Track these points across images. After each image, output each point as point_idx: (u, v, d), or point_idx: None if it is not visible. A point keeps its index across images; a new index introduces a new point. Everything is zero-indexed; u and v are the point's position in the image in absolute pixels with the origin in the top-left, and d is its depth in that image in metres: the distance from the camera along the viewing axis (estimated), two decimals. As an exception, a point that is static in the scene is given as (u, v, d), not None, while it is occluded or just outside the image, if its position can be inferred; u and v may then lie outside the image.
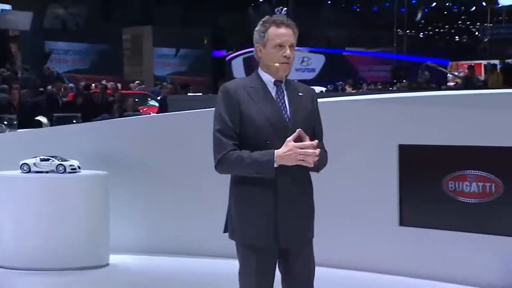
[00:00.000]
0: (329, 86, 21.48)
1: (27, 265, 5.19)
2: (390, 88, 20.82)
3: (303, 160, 2.70)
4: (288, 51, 2.81)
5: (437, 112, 4.67)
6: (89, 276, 5.16)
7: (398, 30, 31.79)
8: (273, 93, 2.82)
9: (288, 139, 2.72)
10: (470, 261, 4.51)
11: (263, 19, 2.88)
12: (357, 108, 5.04)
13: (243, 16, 29.43)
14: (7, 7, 21.79)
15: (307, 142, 2.72)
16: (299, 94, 2.87)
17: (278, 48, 2.81)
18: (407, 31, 33.59)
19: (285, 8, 28.72)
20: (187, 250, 5.61)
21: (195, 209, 5.61)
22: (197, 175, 5.48)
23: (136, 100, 15.33)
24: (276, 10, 29.01)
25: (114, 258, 5.52)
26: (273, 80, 2.84)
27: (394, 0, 31.00)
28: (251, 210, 2.80)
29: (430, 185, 4.65)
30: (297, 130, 2.73)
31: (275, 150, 2.72)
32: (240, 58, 28.90)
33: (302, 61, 29.63)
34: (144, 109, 13.84)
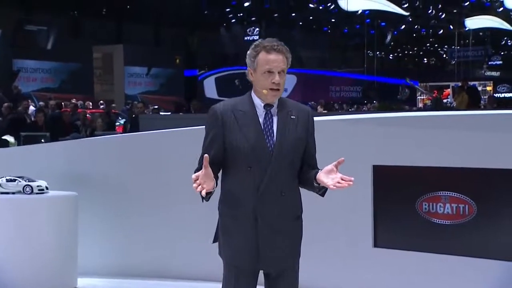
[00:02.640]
0: None
1: (-9, 289, 5.03)
2: (364, 109, 21.02)
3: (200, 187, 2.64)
4: (277, 78, 2.77)
5: (411, 133, 4.66)
6: (56, 300, 5.02)
7: (368, 51, 32.20)
8: (261, 118, 2.80)
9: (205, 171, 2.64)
10: (444, 282, 4.48)
11: (254, 43, 2.86)
12: (331, 128, 5.01)
13: (215, 35, 29.51)
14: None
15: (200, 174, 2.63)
16: (292, 117, 2.82)
17: (267, 74, 2.78)
18: (377, 53, 34.03)
19: (257, 29, 28.91)
20: (157, 273, 5.50)
21: (165, 231, 5.50)
22: (168, 195, 5.40)
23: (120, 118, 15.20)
24: (248, 30, 29.19)
25: (82, 281, 5.38)
26: (263, 104, 2.81)
27: (364, 22, 31.41)
28: (233, 231, 2.81)
29: (404, 206, 4.62)
30: None
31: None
32: (212, 78, 28.92)
33: (274, 81, 29.80)
34: (116, 129, 13.74)
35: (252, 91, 2.86)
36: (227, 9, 31.39)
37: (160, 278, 5.46)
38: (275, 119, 2.81)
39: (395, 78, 31.32)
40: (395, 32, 35.42)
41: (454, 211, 4.44)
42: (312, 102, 23.19)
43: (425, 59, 39.99)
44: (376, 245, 4.77)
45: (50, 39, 23.62)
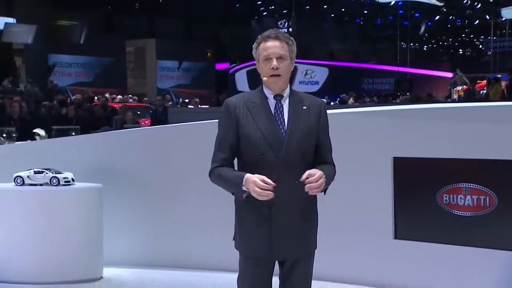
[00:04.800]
0: (336, 102, 21.47)
1: (20, 278, 5.15)
2: (394, 101, 20.83)
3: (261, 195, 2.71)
4: (274, 63, 2.83)
5: (432, 125, 4.64)
6: (83, 290, 5.14)
7: (402, 43, 31.86)
8: (272, 108, 2.85)
9: (262, 177, 2.70)
10: (464, 274, 4.46)
11: (258, 36, 2.93)
12: (352, 120, 5.01)
13: (246, 29, 29.54)
14: (12, 20, 21.93)
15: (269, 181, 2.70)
16: (303, 107, 2.87)
17: (267, 62, 2.86)
18: (411, 44, 33.65)
19: (289, 22, 28.84)
20: (182, 263, 5.58)
21: (189, 222, 5.58)
22: (192, 187, 5.46)
23: (138, 112, 15.40)
24: (279, 23, 29.17)
25: (107, 271, 5.49)
26: (273, 94, 2.87)
27: (397, 13, 31.08)
28: (247, 221, 2.86)
29: (424, 198, 4.61)
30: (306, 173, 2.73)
31: (246, 175, 2.75)
32: (244, 71, 28.98)
33: (306, 74, 29.71)
34: (146, 122, 13.95)
35: (263, 83, 2.92)
36: (258, 2, 31.41)
37: (184, 269, 5.53)
38: (285, 109, 2.86)
39: (429, 69, 30.98)
40: (429, 23, 34.95)
41: (475, 203, 4.41)
42: (343, 95, 23.09)
43: (460, 50, 39.37)
44: (396, 236, 4.77)
45: (83, 34, 23.98)
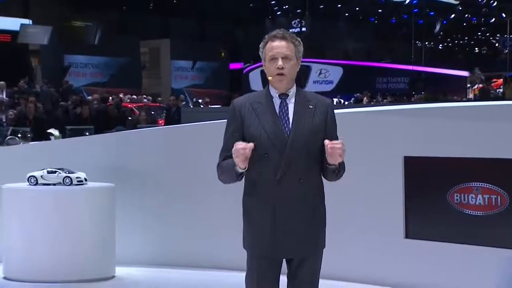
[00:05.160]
0: (350, 102, 21.42)
1: (34, 277, 5.21)
2: (409, 100, 20.73)
3: (241, 156, 2.73)
4: (279, 62, 2.86)
5: (443, 123, 4.62)
6: (95, 288, 5.18)
7: (417, 42, 31.69)
8: (277, 107, 2.88)
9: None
10: (476, 274, 4.44)
11: (265, 36, 2.96)
12: (362, 119, 5.01)
13: (260, 28, 29.54)
14: (27, 21, 22.13)
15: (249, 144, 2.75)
16: (309, 106, 2.89)
17: (272, 61, 2.88)
18: (426, 43, 33.45)
19: (302, 21, 28.81)
20: (194, 263, 5.60)
21: (201, 222, 5.60)
22: (204, 187, 5.48)
23: (152, 112, 15.48)
24: (293, 22, 29.14)
25: (120, 270, 5.53)
26: (278, 93, 2.89)
27: (412, 12, 30.91)
28: (252, 220, 2.89)
29: (435, 198, 4.60)
30: None
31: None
32: (258, 71, 28.97)
33: (320, 73, 29.66)
34: (160, 122, 14.02)
35: (269, 83, 2.94)
36: (272, 2, 31.41)
37: (196, 268, 5.56)
38: (291, 108, 2.88)
39: (444, 68, 30.77)
40: (444, 22, 34.69)
41: (486, 202, 4.39)
42: (358, 94, 23.02)
43: (476, 48, 39.06)
44: (407, 236, 4.76)
45: (97, 35, 24.12)
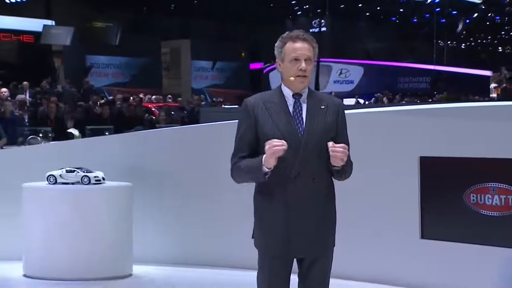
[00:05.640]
0: (370, 102, 21.31)
1: (52, 275, 5.28)
2: (429, 100, 20.60)
3: (277, 152, 2.73)
4: (303, 65, 2.87)
5: (459, 123, 4.60)
6: (113, 287, 5.23)
7: (439, 41, 31.44)
8: (291, 107, 2.89)
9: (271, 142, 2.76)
10: (492, 274, 4.41)
11: (282, 35, 2.96)
12: (378, 120, 5.01)
13: (280, 28, 29.52)
14: (50, 22, 22.37)
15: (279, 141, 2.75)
16: (321, 106, 2.91)
17: (294, 62, 2.89)
18: (448, 42, 33.16)
19: (322, 21, 28.75)
20: (210, 262, 5.63)
21: (218, 221, 5.63)
22: (221, 187, 5.50)
23: (172, 113, 15.56)
24: (313, 22, 29.09)
25: (137, 269, 5.58)
26: (292, 93, 2.90)
27: (434, 11, 30.68)
28: (264, 220, 2.91)
29: (451, 198, 4.58)
30: None
31: (263, 155, 2.80)
32: (278, 71, 28.97)
33: (340, 73, 29.56)
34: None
35: (282, 83, 2.96)
36: (293, 1, 31.38)
37: (213, 267, 5.59)
38: (304, 107, 2.90)
39: (467, 68, 30.50)
40: (467, 21, 34.37)
41: (502, 202, 4.36)
42: (378, 94, 22.93)
43: (499, 47, 38.64)
44: (423, 236, 4.75)
45: (118, 35, 24.27)
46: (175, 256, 5.77)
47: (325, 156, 2.87)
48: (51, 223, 5.35)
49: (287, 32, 2.95)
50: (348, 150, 2.94)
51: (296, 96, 2.90)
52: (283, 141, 2.75)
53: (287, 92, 2.91)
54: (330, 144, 2.78)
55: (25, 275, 5.47)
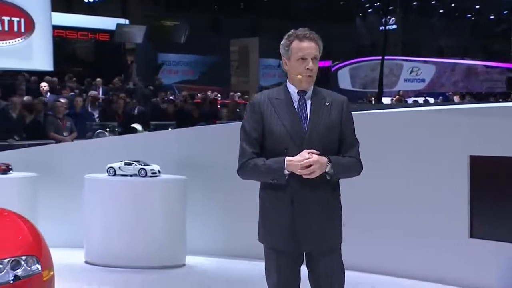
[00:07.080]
0: (439, 99, 20.85)
1: (111, 263, 5.53)
2: (505, 100, 19.95)
3: (308, 172, 2.78)
4: (310, 64, 2.92)
5: (509, 123, 4.52)
6: (167, 275, 5.41)
7: (517, 39, 30.37)
8: (296, 104, 2.94)
9: (305, 150, 2.82)
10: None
11: (288, 33, 3.01)
12: (429, 118, 4.98)
13: (350, 26, 29.28)
14: (123, 21, 23.08)
15: (315, 157, 2.79)
16: (326, 103, 2.95)
17: (301, 61, 2.93)
18: (526, 40, 31.94)
19: (393, 18, 28.34)
20: (261, 255, 5.72)
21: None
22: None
23: (238, 110, 15.78)
24: (383, 20, 28.71)
25: (190, 259, 5.76)
26: (297, 90, 2.95)
27: (512, 7, 29.67)
28: (270, 215, 2.93)
29: (501, 197, 4.51)
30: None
31: (287, 157, 2.84)
32: (347, 69, 28.77)
33: (411, 71, 29.03)
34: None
35: (287, 80, 3.02)
36: (364, -1, 31.09)
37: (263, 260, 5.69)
38: (308, 104, 2.95)
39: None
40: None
41: (554, 203, 4.26)
42: (449, 93, 22.40)
43: None
44: (472, 235, 4.69)
45: (185, 34, 24.67)
46: (228, 249, 5.91)
47: (329, 152, 2.90)
48: (109, 213, 5.60)
49: (292, 30, 2.99)
50: (355, 146, 2.96)
51: (301, 93, 2.95)
52: (309, 158, 2.78)
53: (292, 89, 2.96)
54: (307, 154, 2.81)
55: (86, 262, 5.74)
